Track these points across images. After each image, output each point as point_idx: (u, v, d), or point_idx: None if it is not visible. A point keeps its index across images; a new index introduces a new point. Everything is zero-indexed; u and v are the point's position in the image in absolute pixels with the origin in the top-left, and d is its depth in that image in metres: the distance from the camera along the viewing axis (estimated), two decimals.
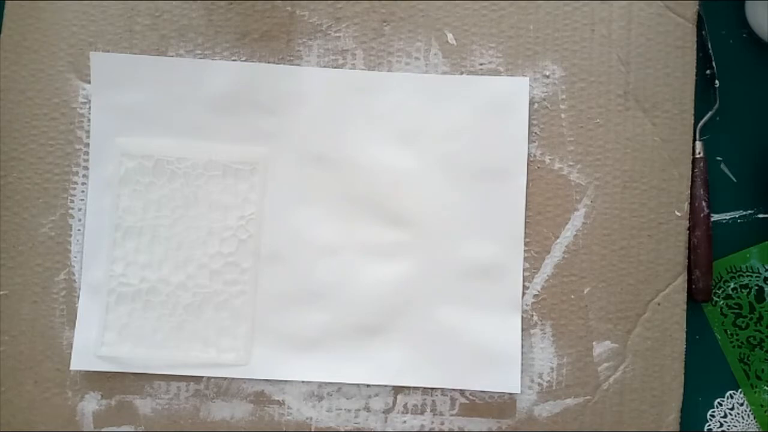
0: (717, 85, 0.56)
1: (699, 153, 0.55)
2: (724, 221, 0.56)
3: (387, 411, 0.53)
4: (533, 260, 0.54)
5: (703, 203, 0.54)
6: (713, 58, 0.56)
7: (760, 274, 0.56)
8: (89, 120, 0.54)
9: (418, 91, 0.54)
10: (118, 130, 0.54)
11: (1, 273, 0.54)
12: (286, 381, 0.53)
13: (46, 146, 0.54)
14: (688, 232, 0.54)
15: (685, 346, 0.53)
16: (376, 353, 0.53)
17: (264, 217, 0.54)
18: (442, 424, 0.53)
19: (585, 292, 0.54)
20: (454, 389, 0.53)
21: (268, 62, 0.55)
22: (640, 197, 0.54)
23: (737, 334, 0.55)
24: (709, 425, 0.55)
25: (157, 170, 0.54)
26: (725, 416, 0.55)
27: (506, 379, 0.53)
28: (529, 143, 0.54)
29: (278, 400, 0.53)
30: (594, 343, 0.54)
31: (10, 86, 0.54)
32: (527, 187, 0.54)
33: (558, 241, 0.54)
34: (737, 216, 0.56)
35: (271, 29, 0.55)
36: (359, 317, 0.53)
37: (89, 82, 0.54)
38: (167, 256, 0.53)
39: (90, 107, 0.54)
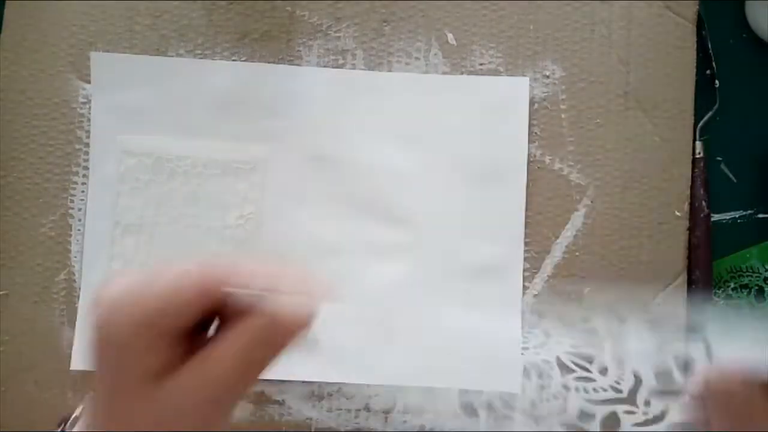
0: (717, 85, 0.56)
1: (699, 153, 0.55)
2: (724, 221, 0.56)
3: (387, 411, 0.53)
4: (533, 260, 0.54)
5: (703, 203, 0.54)
6: (713, 58, 0.56)
7: (760, 274, 0.56)
8: (89, 120, 0.54)
9: (418, 92, 0.54)
10: (119, 129, 0.54)
11: (1, 273, 0.54)
12: (285, 381, 0.53)
13: (46, 146, 0.54)
14: (687, 232, 0.54)
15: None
16: (376, 353, 0.53)
17: (263, 217, 0.54)
18: (443, 423, 0.53)
19: (585, 292, 0.54)
20: (454, 389, 0.53)
21: (268, 62, 0.55)
22: (640, 197, 0.54)
23: None
24: None
25: (157, 168, 0.54)
26: None
27: (506, 379, 0.53)
28: (529, 143, 0.54)
29: (278, 400, 0.53)
30: None
31: (10, 86, 0.54)
32: (527, 187, 0.54)
33: (558, 241, 0.54)
34: (737, 216, 0.56)
35: (271, 29, 0.55)
36: (359, 317, 0.53)
37: (89, 82, 0.54)
38: (166, 254, 0.53)
39: (90, 107, 0.54)
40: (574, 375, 0.53)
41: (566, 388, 0.53)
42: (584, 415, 0.53)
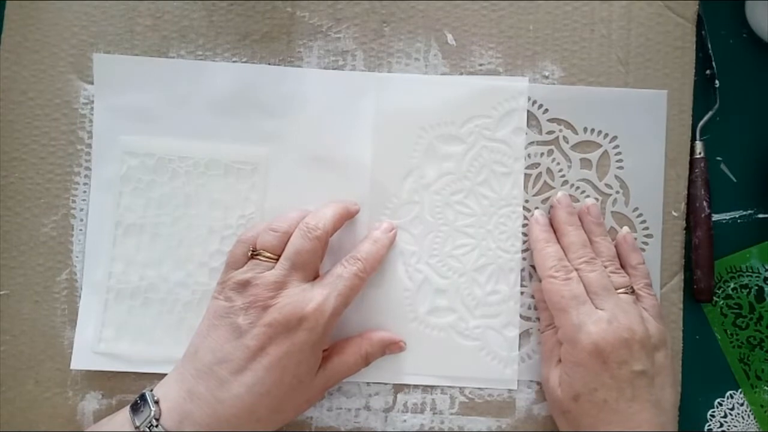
0: (717, 85, 0.56)
1: (699, 153, 0.55)
2: (724, 221, 0.56)
3: (387, 410, 0.53)
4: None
5: (704, 203, 0.54)
6: (713, 58, 0.56)
7: (760, 274, 0.56)
8: (91, 120, 0.55)
9: (418, 92, 0.54)
10: (121, 130, 0.54)
11: (2, 273, 0.54)
12: None
13: (47, 146, 0.55)
14: (684, 231, 0.54)
15: (682, 345, 0.53)
16: None
17: (264, 217, 0.54)
18: (442, 423, 0.53)
19: None
20: (453, 387, 0.53)
21: (269, 63, 0.55)
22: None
23: (737, 334, 0.55)
24: (709, 425, 0.55)
25: (159, 168, 0.54)
26: (725, 416, 0.55)
27: (499, 376, 0.53)
28: (528, 143, 0.54)
29: None
30: None
31: (11, 87, 0.54)
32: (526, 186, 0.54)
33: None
34: (737, 216, 0.56)
35: (271, 30, 0.55)
36: (359, 316, 0.53)
37: (91, 83, 0.55)
38: (167, 254, 0.54)
39: (92, 108, 0.55)
40: None
41: None
42: None
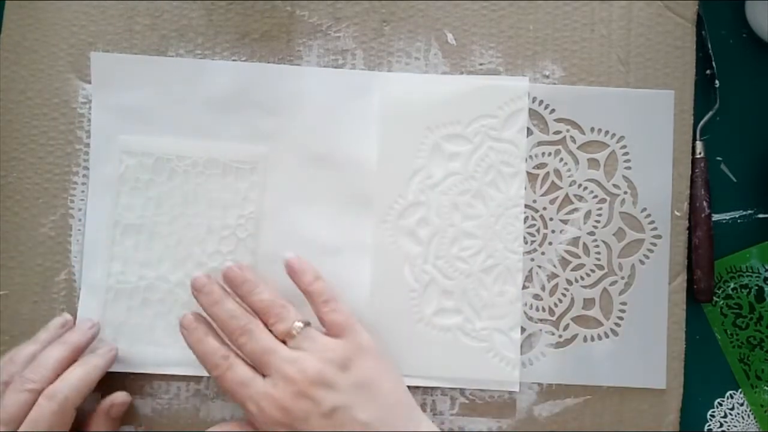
0: (717, 85, 0.56)
1: (699, 153, 0.55)
2: (724, 221, 0.56)
3: None
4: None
5: (704, 203, 0.54)
6: (713, 58, 0.56)
7: (760, 274, 0.56)
8: (89, 120, 0.54)
9: (418, 92, 0.54)
10: (119, 129, 0.54)
11: (1, 273, 0.54)
12: None
13: (46, 146, 0.54)
14: (687, 231, 0.54)
15: (684, 346, 0.53)
16: None
17: (263, 216, 0.54)
18: (442, 423, 0.53)
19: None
20: (454, 388, 0.53)
21: (268, 62, 0.55)
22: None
23: (737, 334, 0.55)
24: (709, 425, 0.55)
25: (157, 168, 0.54)
26: (725, 416, 0.55)
27: (505, 378, 0.53)
28: (528, 143, 0.54)
29: None
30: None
31: (10, 86, 0.54)
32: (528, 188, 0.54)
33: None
34: (737, 216, 0.56)
35: (271, 29, 0.55)
36: (359, 317, 0.53)
37: (89, 82, 0.54)
38: (166, 254, 0.53)
39: (90, 107, 0.54)
40: (571, 266, 0.54)
41: (569, 282, 0.54)
42: (587, 303, 0.54)
